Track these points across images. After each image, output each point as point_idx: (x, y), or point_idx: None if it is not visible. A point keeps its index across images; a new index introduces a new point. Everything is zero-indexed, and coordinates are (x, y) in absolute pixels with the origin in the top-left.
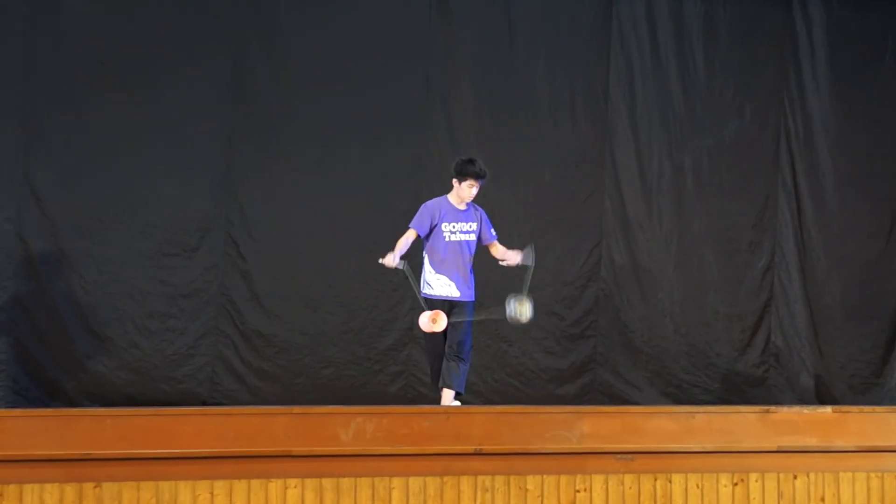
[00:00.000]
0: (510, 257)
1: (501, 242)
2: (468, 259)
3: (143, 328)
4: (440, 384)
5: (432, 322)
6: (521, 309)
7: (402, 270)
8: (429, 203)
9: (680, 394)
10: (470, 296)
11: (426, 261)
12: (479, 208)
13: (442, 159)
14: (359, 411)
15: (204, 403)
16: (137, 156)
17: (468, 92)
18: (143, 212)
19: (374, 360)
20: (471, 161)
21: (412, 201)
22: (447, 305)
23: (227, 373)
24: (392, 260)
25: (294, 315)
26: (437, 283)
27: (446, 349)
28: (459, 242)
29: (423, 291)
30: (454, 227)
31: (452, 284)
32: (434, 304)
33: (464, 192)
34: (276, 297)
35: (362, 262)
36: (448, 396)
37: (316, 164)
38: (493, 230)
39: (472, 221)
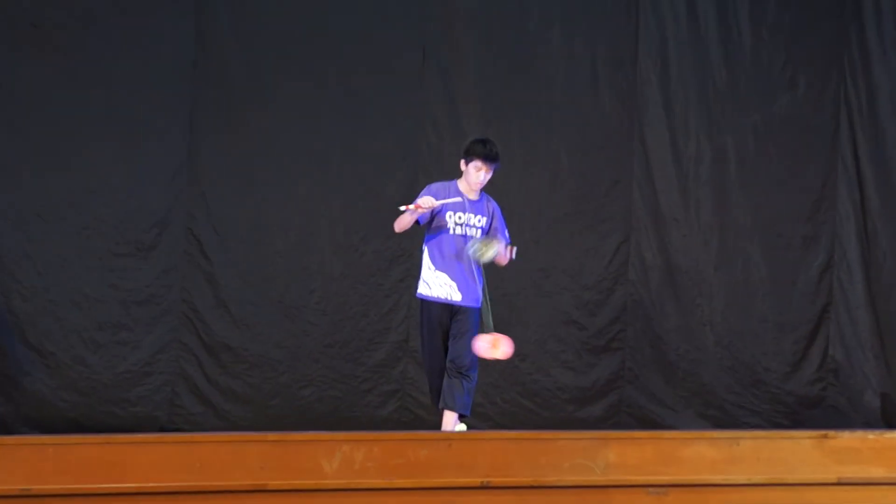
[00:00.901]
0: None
1: (512, 238)
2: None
3: (90, 341)
4: (440, 405)
5: (492, 347)
6: (482, 250)
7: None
8: (435, 184)
9: (722, 416)
10: (474, 301)
11: (425, 255)
12: (493, 201)
13: (440, 142)
14: (345, 438)
15: (163, 430)
16: (81, 138)
17: (471, 62)
18: (90, 204)
19: (362, 377)
20: (482, 141)
21: (406, 190)
22: (446, 311)
23: (189, 393)
24: (427, 202)
25: (268, 325)
26: (435, 282)
27: (447, 365)
28: (466, 237)
29: (419, 292)
30: (461, 217)
31: (453, 285)
32: (430, 308)
33: (471, 175)
34: (247, 304)
35: (349, 262)
36: (450, 420)
37: (293, 146)
38: (506, 232)
39: (483, 215)
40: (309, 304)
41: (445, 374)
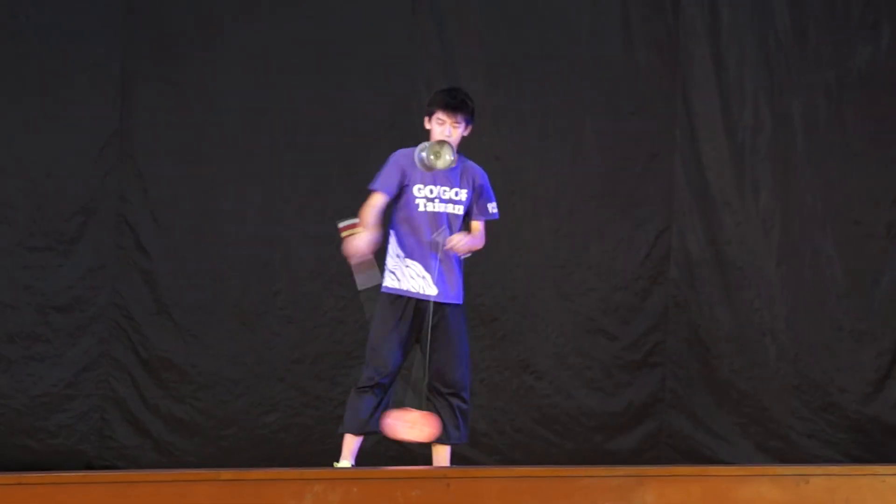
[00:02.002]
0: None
1: (525, 226)
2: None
3: None
4: (441, 437)
5: (409, 426)
6: (433, 153)
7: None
8: (400, 151)
9: (787, 448)
10: (454, 297)
11: (392, 240)
12: (478, 168)
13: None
14: (317, 476)
15: (90, 467)
16: None
17: (473, 7)
18: None
19: (339, 400)
20: (446, 90)
21: None
22: (416, 307)
23: (122, 421)
24: (359, 245)
25: (221, 336)
26: (403, 272)
27: (432, 385)
28: (439, 215)
29: (385, 284)
30: (433, 191)
31: (427, 277)
32: (397, 304)
33: (435, 132)
34: (195, 310)
35: (321, 256)
36: (444, 455)
37: (252, 114)
38: (492, 205)
39: (460, 186)
40: (272, 310)
41: (430, 398)
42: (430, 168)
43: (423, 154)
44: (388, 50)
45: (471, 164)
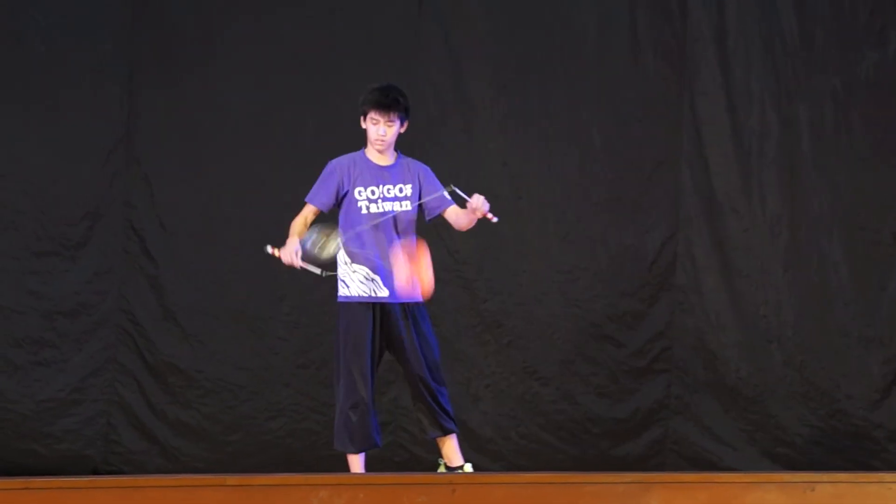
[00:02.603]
0: (474, 204)
1: (531, 232)
2: (404, 239)
3: (3, 361)
4: (432, 433)
5: (320, 248)
6: (322, 243)
7: (313, 273)
8: (336, 160)
9: (794, 454)
10: (410, 295)
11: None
12: (417, 162)
13: (441, 112)
14: (323, 481)
15: (96, 472)
16: None
17: (478, 11)
18: (3, 192)
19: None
20: (379, 87)
21: None
22: (372, 313)
23: (129, 426)
24: (291, 253)
25: (227, 341)
26: (352, 278)
27: (416, 380)
28: (384, 214)
29: (339, 293)
30: (374, 192)
31: (377, 279)
32: (352, 312)
33: (369, 132)
34: (201, 315)
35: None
36: (449, 446)
37: (258, 119)
38: (445, 192)
39: (404, 182)
40: (277, 315)
41: (413, 400)
42: (314, 260)
43: (308, 246)
44: (393, 56)
45: (410, 160)
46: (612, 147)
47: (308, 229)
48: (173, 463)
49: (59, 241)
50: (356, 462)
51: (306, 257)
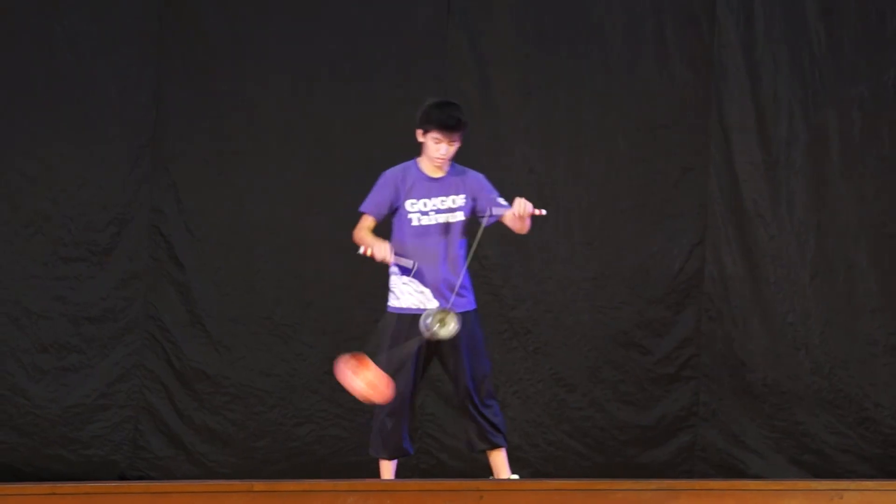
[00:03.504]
0: (518, 211)
1: (558, 239)
2: (454, 250)
3: (31, 367)
4: (480, 446)
5: (439, 324)
6: (440, 323)
7: (409, 266)
8: (389, 171)
9: (821, 462)
10: (461, 305)
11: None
12: (471, 171)
13: (468, 117)
14: (350, 487)
15: (123, 477)
16: (18, 113)
17: (506, 18)
18: (31, 197)
19: (371, 412)
20: (439, 105)
21: None
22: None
23: (156, 432)
24: (385, 249)
25: (254, 347)
26: (402, 290)
27: (462, 393)
28: (435, 227)
29: (389, 304)
30: (427, 203)
31: (426, 292)
32: (404, 321)
33: (430, 150)
34: (228, 322)
35: (353, 269)
36: (498, 460)
37: (285, 125)
38: (499, 196)
39: (456, 193)
40: (305, 322)
41: (460, 412)
42: (433, 336)
43: (428, 321)
44: (420, 62)
45: (464, 169)
46: (639, 154)
47: (427, 310)
48: (200, 469)
49: (86, 247)
50: (388, 468)
51: (428, 333)
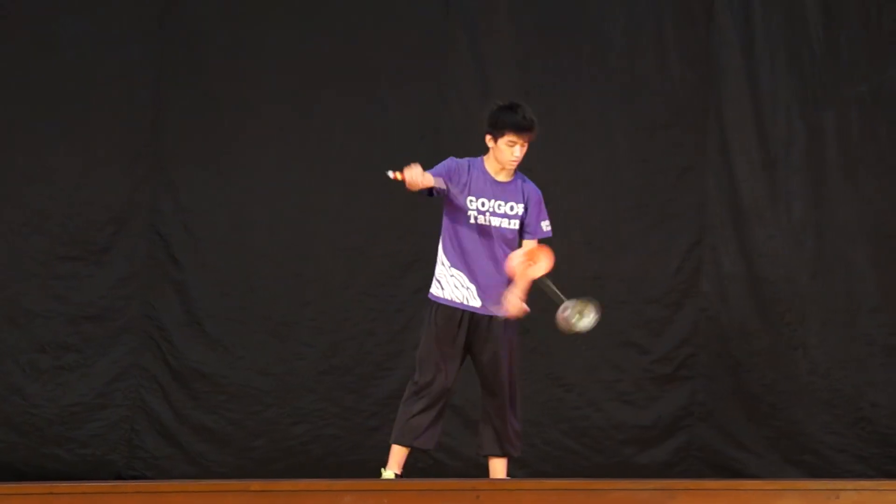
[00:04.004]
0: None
1: (556, 238)
2: (504, 254)
3: (28, 366)
4: (488, 450)
5: (529, 261)
6: (579, 315)
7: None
8: (458, 159)
9: (818, 462)
10: (501, 308)
11: (440, 248)
12: (531, 183)
13: (467, 117)
14: (347, 487)
15: (120, 477)
16: (18, 112)
17: (505, 17)
18: (29, 196)
19: (369, 412)
20: (510, 107)
21: None
22: (462, 321)
23: (153, 431)
24: (418, 173)
25: (251, 347)
26: (448, 282)
27: (484, 403)
28: (491, 228)
29: (432, 292)
30: (485, 204)
31: (472, 289)
32: (442, 313)
33: (503, 153)
34: (226, 321)
35: (352, 268)
36: (498, 468)
37: (283, 125)
38: (545, 222)
39: (516, 201)
40: (302, 321)
41: (482, 411)
42: (570, 329)
43: (567, 313)
44: (419, 61)
45: (526, 180)
46: (638, 153)
47: (567, 300)
48: (197, 468)
49: (84, 246)
50: (403, 455)
51: (566, 325)
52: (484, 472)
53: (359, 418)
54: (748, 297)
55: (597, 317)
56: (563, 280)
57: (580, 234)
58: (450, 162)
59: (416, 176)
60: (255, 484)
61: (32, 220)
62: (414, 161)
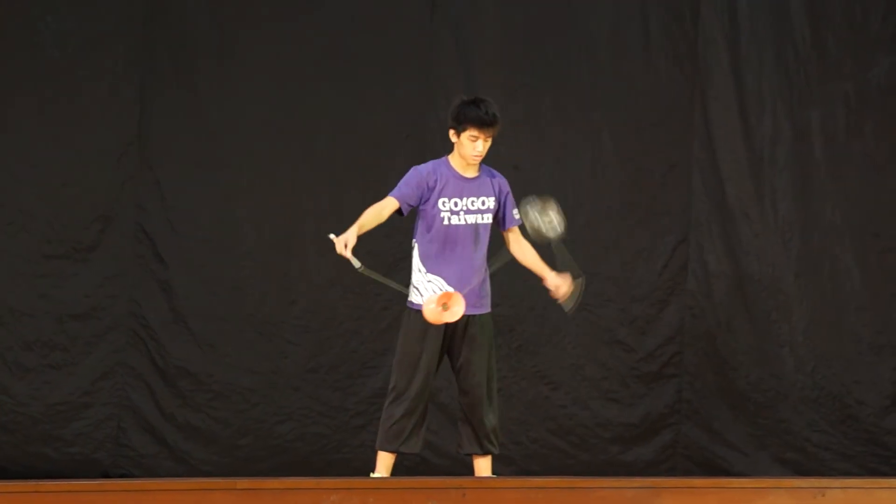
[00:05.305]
0: (553, 283)
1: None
2: (480, 252)
3: (14, 364)
4: (468, 449)
5: (442, 309)
6: (544, 216)
7: (357, 268)
8: (422, 166)
9: (804, 460)
10: (481, 306)
11: (415, 255)
12: (498, 174)
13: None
14: (333, 485)
15: (106, 475)
16: (5, 113)
17: (491, 16)
18: (14, 194)
19: (354, 410)
20: (473, 101)
21: None
22: (443, 324)
23: (138, 430)
24: (345, 242)
25: (237, 345)
26: (426, 287)
27: (461, 401)
28: (466, 227)
29: (410, 300)
30: (458, 203)
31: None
32: (422, 319)
33: (465, 148)
34: (212, 319)
35: (338, 266)
36: (482, 466)
37: (270, 124)
38: (515, 210)
39: (488, 195)
40: (288, 319)
41: (459, 410)
42: (536, 231)
43: (530, 213)
44: (406, 60)
45: (493, 171)
46: (624, 152)
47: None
48: (183, 466)
49: (70, 245)
50: (390, 462)
51: (531, 228)
52: (470, 470)
53: (344, 416)
54: (734, 295)
55: (560, 217)
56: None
57: (566, 232)
58: (415, 175)
59: (340, 248)
60: (242, 482)
61: (18, 218)
62: (399, 161)
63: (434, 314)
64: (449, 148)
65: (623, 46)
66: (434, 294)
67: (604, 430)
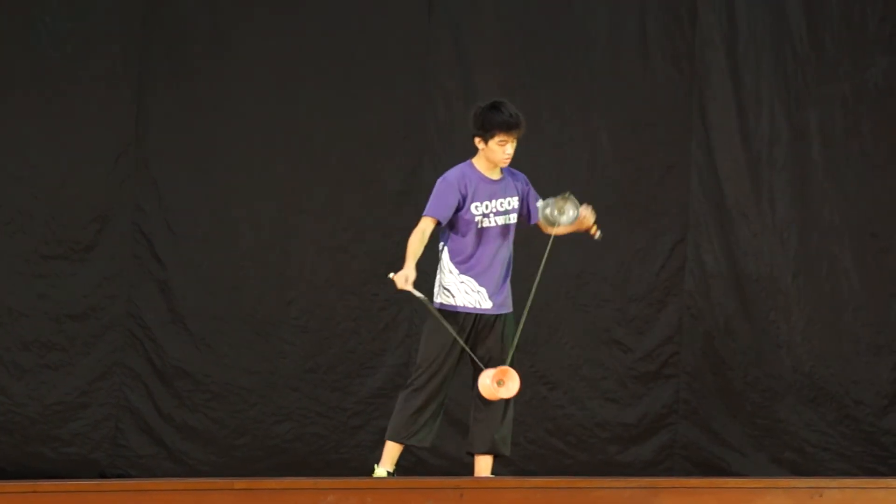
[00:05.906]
0: (588, 215)
1: (540, 236)
2: (508, 252)
3: (11, 364)
4: (478, 447)
5: (497, 385)
6: (559, 211)
7: (420, 299)
8: (451, 175)
9: (802, 460)
10: (506, 306)
11: (444, 257)
12: (519, 173)
13: (451, 117)
14: (331, 485)
15: (103, 475)
16: (3, 113)
17: (489, 16)
18: (13, 194)
19: (352, 410)
20: (494, 106)
21: (407, 177)
22: (472, 322)
23: (136, 430)
24: (405, 277)
25: (235, 345)
26: (458, 288)
27: (482, 399)
28: (498, 228)
29: (437, 300)
30: (489, 206)
31: (482, 291)
32: (451, 319)
33: (495, 153)
34: (209, 319)
35: (336, 266)
36: (487, 466)
37: (267, 124)
38: (539, 202)
39: (512, 195)
40: (286, 320)
41: (474, 408)
42: (555, 224)
43: (547, 211)
44: (403, 60)
45: (513, 170)
46: (622, 152)
47: (543, 201)
48: (181, 467)
49: (68, 245)
50: (393, 452)
51: (544, 218)
52: (468, 470)
53: (342, 416)
54: (732, 295)
55: (576, 212)
56: (547, 278)
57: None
58: (447, 188)
59: (402, 281)
60: (239, 482)
61: (16, 218)
62: (397, 161)
63: (489, 391)
64: (449, 148)
65: (621, 47)
66: (490, 370)
67: (602, 431)
